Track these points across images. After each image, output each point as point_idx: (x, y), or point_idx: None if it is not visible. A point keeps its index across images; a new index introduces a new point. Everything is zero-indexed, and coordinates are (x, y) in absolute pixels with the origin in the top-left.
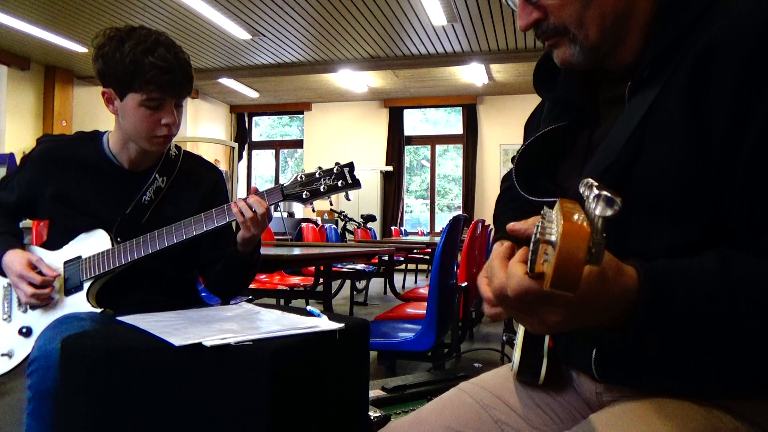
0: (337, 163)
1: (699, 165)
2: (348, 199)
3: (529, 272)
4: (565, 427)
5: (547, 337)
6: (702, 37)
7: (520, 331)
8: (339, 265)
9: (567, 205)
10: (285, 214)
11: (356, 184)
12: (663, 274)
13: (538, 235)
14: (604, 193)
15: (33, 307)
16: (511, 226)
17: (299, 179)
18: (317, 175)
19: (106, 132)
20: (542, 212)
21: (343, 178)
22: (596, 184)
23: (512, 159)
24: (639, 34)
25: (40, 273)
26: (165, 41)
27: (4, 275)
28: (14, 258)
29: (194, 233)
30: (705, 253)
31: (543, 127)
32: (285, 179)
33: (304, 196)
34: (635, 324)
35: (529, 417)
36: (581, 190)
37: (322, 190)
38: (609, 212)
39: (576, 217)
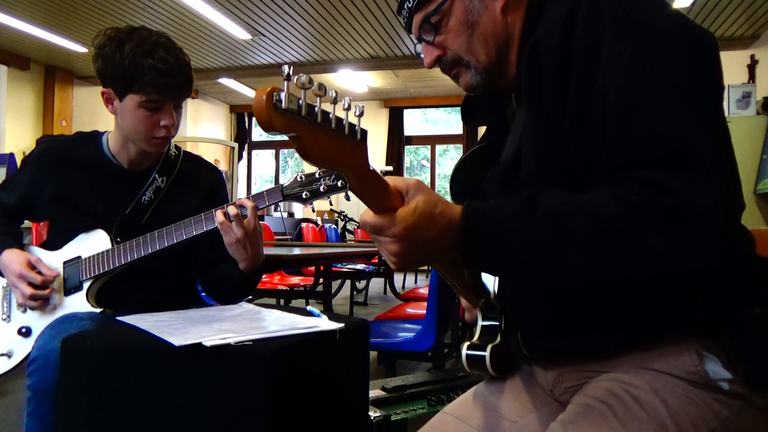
0: None
1: (546, 139)
2: (348, 199)
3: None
4: (539, 410)
5: (499, 332)
6: (532, 41)
7: (477, 330)
8: (339, 265)
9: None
10: (285, 214)
11: None
12: (479, 204)
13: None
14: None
15: (31, 308)
16: None
17: (299, 179)
18: (317, 175)
19: (105, 132)
20: None
21: (343, 178)
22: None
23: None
24: (516, 53)
25: (40, 273)
26: (166, 43)
27: (2, 275)
28: (13, 258)
29: (194, 233)
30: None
31: (466, 152)
32: (285, 179)
33: (304, 196)
34: (462, 242)
35: (507, 413)
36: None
37: (322, 190)
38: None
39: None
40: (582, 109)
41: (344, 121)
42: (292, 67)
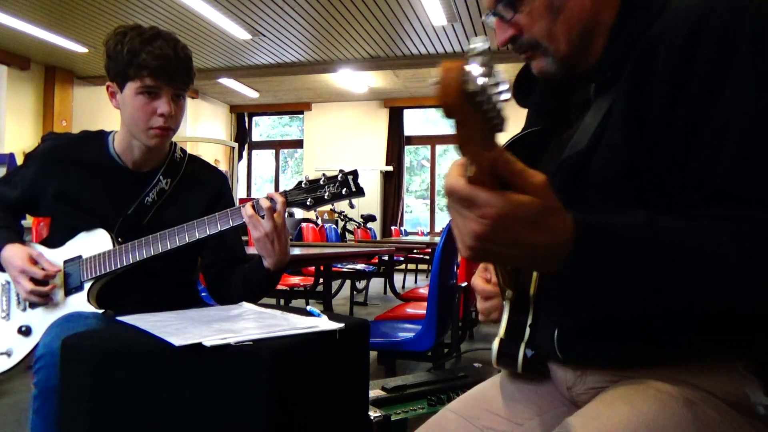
0: (341, 170)
1: (638, 148)
2: (352, 207)
3: (467, 178)
4: (545, 414)
5: (527, 328)
6: (651, 33)
7: (503, 323)
8: (339, 265)
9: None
10: (285, 214)
11: (360, 192)
12: (596, 220)
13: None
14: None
15: (33, 305)
16: None
17: (303, 186)
18: (321, 182)
19: (111, 132)
20: None
21: (347, 185)
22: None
23: None
24: (603, 40)
25: (42, 269)
26: (166, 35)
27: (3, 270)
28: (15, 252)
29: (197, 237)
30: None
31: (519, 132)
32: (286, 180)
33: (308, 203)
34: (573, 261)
35: (511, 416)
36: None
37: (326, 197)
38: (484, 46)
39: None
40: (696, 123)
41: (503, 116)
42: (486, 43)
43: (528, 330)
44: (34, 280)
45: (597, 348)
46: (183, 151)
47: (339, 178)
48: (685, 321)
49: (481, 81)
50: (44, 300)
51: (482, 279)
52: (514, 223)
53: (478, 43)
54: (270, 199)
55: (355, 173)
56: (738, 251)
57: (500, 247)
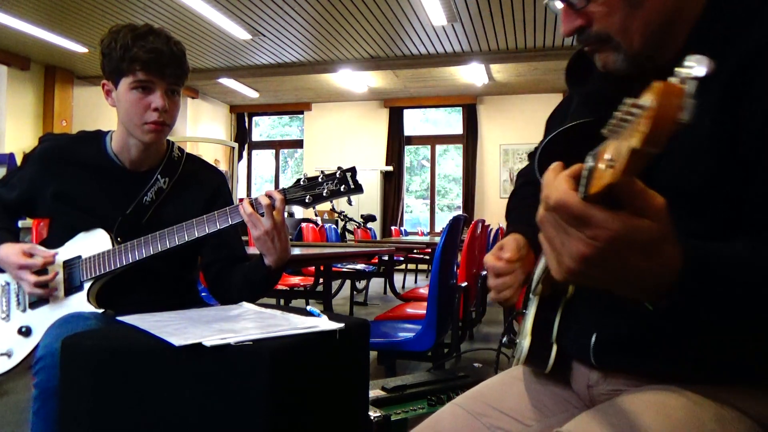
0: (339, 168)
1: (723, 160)
2: (350, 204)
3: (581, 193)
4: (553, 416)
5: (556, 325)
6: (748, 42)
7: (529, 319)
8: (339, 265)
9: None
10: (285, 215)
11: (359, 188)
12: (703, 251)
13: (597, 163)
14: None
15: (32, 305)
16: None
17: (302, 183)
18: (320, 179)
19: (109, 132)
20: (590, 155)
21: (346, 182)
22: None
23: (529, 155)
24: (683, 36)
25: (39, 258)
26: (159, 31)
27: (1, 271)
28: (8, 251)
29: (196, 235)
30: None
31: (569, 122)
32: (286, 180)
33: (306, 200)
34: (673, 288)
35: (520, 416)
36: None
37: (324, 194)
38: (703, 70)
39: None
40: None
41: None
42: (706, 66)
43: (556, 328)
44: (35, 272)
45: (637, 360)
46: (181, 150)
47: (337, 175)
48: (756, 343)
49: (690, 111)
50: (49, 291)
51: (494, 256)
52: (626, 248)
53: (698, 65)
54: (269, 196)
55: (353, 170)
56: None
57: (605, 273)
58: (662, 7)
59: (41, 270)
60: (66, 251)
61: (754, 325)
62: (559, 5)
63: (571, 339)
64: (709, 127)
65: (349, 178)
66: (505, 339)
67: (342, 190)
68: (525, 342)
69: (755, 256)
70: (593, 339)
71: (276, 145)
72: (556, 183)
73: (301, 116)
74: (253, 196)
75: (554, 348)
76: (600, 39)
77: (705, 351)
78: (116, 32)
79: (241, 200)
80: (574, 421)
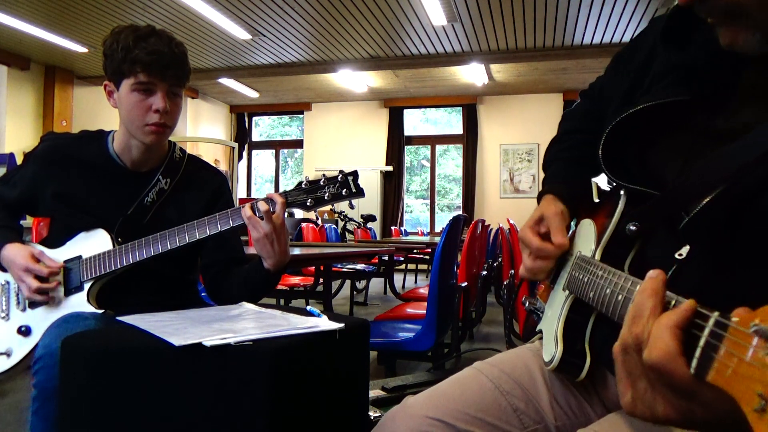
0: (341, 171)
1: None
2: (352, 207)
3: (694, 368)
4: (577, 422)
5: (588, 332)
6: None
7: (555, 319)
8: (339, 265)
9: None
10: (285, 215)
11: (360, 193)
12: None
13: (725, 346)
14: None
15: (32, 305)
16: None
17: (303, 186)
18: (321, 183)
19: (111, 132)
20: (727, 318)
21: (347, 186)
22: None
23: (581, 93)
24: None
25: (45, 266)
26: (161, 32)
27: (3, 270)
28: (16, 252)
29: (198, 237)
30: None
31: (653, 98)
32: (286, 180)
33: (308, 204)
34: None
35: (548, 410)
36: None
37: (326, 198)
38: None
39: None
40: None
41: None
42: None
43: (588, 332)
44: (38, 278)
45: None
46: (182, 150)
47: (339, 179)
48: None
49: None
50: (47, 297)
51: (534, 232)
52: (718, 427)
53: None
54: (269, 200)
55: (355, 174)
56: None
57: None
58: None
59: (46, 277)
60: (66, 251)
61: None
62: None
63: (604, 345)
64: None
65: (351, 182)
66: (527, 304)
67: (344, 193)
68: (555, 350)
69: None
70: None
71: (276, 145)
72: (661, 332)
73: (301, 116)
74: (253, 196)
75: (588, 357)
76: (732, 13)
77: None
78: (118, 33)
79: (241, 201)
80: (604, 420)
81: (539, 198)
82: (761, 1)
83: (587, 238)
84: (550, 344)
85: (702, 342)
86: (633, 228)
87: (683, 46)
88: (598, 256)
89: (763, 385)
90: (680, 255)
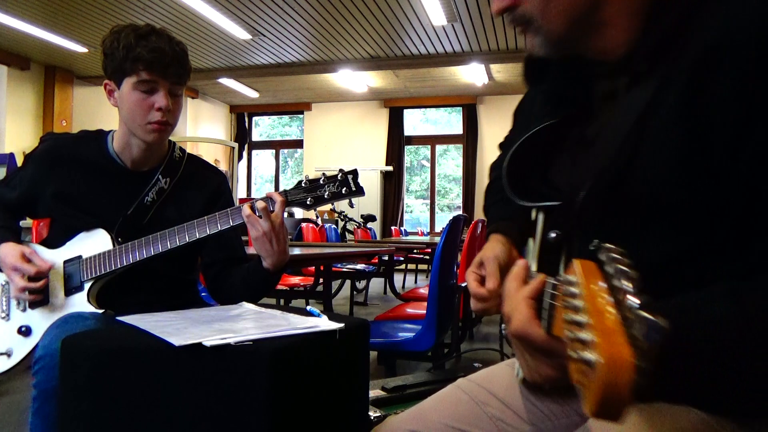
0: (341, 170)
1: (698, 170)
2: (351, 206)
3: (545, 327)
4: (560, 424)
5: None
6: (703, 35)
7: None
8: (339, 265)
9: (590, 280)
10: (285, 214)
11: (360, 191)
12: (680, 327)
13: (558, 303)
14: (649, 317)
15: (33, 305)
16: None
17: (303, 185)
18: (321, 182)
19: (110, 131)
20: (562, 279)
21: (347, 185)
22: (624, 270)
23: (500, 145)
24: (626, 22)
25: (35, 266)
26: (161, 31)
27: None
28: (8, 251)
29: (197, 237)
30: (714, 290)
31: (533, 126)
32: (286, 180)
33: (308, 202)
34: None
35: (524, 413)
36: (598, 253)
37: (326, 196)
38: (654, 340)
39: (610, 324)
40: None
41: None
42: None
43: None
44: (27, 278)
45: None
46: (182, 150)
47: (339, 178)
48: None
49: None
50: (36, 297)
51: (476, 279)
52: None
53: (652, 338)
54: (269, 198)
55: (354, 173)
56: None
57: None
58: None
59: (34, 276)
60: (67, 251)
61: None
62: None
63: None
64: (679, 132)
65: (351, 181)
66: (504, 331)
67: (343, 192)
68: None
69: (738, 312)
70: None
71: (276, 145)
72: (518, 305)
73: (301, 116)
74: (253, 196)
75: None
76: (524, 20)
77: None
78: (118, 32)
79: (241, 201)
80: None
81: (486, 237)
82: (540, 11)
83: (532, 255)
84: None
85: (546, 304)
86: (554, 235)
87: (542, 79)
88: (534, 268)
89: (568, 327)
90: (592, 246)
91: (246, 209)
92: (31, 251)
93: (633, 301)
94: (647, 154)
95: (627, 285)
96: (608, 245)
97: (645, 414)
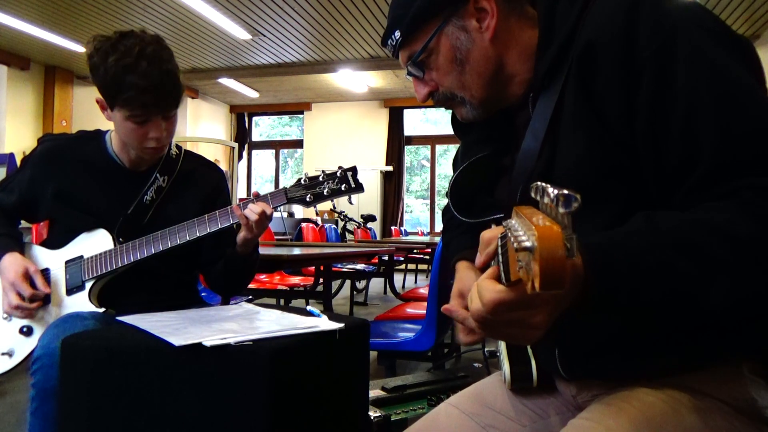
0: (340, 167)
1: (604, 148)
2: (351, 203)
3: (504, 282)
4: (549, 417)
5: (528, 347)
6: (583, 35)
7: (502, 343)
8: (339, 265)
9: (526, 210)
10: (285, 214)
11: (359, 188)
12: (599, 248)
13: (507, 246)
14: (562, 191)
15: (25, 312)
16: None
17: (303, 182)
18: (321, 179)
19: (108, 131)
20: (504, 224)
21: (347, 182)
22: (548, 186)
23: (447, 193)
24: (527, 65)
25: (33, 286)
26: (151, 53)
27: None
28: (12, 265)
29: (198, 235)
30: (631, 219)
31: (466, 159)
32: (286, 180)
33: (307, 200)
34: (591, 299)
35: (516, 416)
36: (533, 194)
37: (325, 193)
38: (571, 208)
39: (540, 220)
40: (658, 113)
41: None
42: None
43: (530, 349)
44: (21, 297)
45: (599, 362)
46: (178, 147)
47: (338, 175)
48: (696, 322)
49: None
50: (25, 314)
51: (460, 305)
52: (557, 309)
53: (567, 207)
54: (256, 195)
55: (354, 169)
56: (748, 222)
57: (555, 316)
58: (484, 61)
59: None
60: (68, 251)
61: (691, 297)
62: (411, 78)
63: (542, 356)
64: (581, 121)
65: (350, 178)
66: (487, 352)
67: (343, 189)
68: (506, 366)
69: (653, 227)
70: (557, 354)
71: (276, 145)
72: (483, 285)
73: (301, 116)
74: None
75: (533, 364)
76: (447, 98)
77: (656, 339)
78: (104, 53)
79: (241, 200)
80: (593, 408)
81: (453, 267)
82: (458, 86)
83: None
84: (504, 363)
85: (498, 261)
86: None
87: (468, 131)
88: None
89: (518, 256)
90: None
91: (236, 210)
92: (35, 270)
93: (551, 191)
94: (563, 148)
95: (551, 192)
96: (539, 183)
97: (614, 406)
